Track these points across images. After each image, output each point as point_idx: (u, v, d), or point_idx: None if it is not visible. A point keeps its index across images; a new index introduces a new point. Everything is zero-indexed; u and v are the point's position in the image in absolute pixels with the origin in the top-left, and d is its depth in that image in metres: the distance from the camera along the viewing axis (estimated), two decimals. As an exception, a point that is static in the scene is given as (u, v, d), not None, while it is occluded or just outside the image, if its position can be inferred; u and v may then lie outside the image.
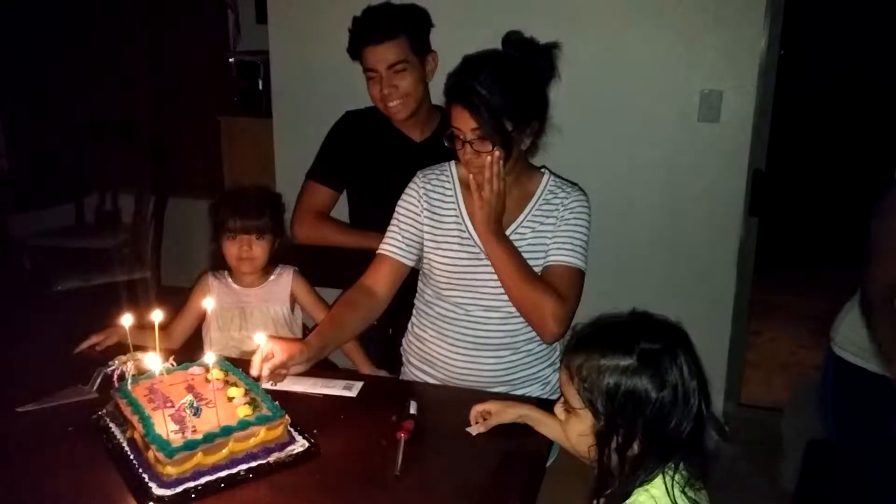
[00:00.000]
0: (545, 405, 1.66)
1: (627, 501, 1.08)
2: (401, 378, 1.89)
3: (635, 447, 1.07)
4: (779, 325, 4.00)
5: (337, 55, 2.89)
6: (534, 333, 1.71)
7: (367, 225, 2.18)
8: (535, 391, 1.78)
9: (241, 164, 3.67)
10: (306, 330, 2.07)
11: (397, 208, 1.81)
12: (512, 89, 1.56)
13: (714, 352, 2.82)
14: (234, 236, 1.85)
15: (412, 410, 1.48)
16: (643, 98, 2.72)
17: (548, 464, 1.73)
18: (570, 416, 1.15)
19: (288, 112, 3.08)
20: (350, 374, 1.78)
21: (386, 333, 2.09)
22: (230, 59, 3.75)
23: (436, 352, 1.78)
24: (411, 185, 1.81)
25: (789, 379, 3.47)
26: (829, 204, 4.75)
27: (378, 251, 1.80)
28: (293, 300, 1.95)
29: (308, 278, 1.98)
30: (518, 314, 1.68)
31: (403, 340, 1.91)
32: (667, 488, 1.07)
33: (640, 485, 1.07)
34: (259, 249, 1.86)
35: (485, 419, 1.46)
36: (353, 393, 1.61)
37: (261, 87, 3.61)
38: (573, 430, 1.15)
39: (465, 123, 1.57)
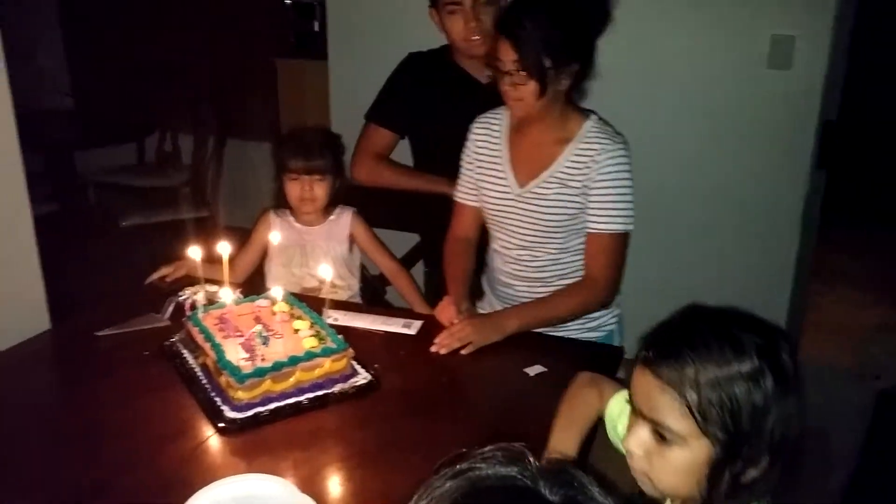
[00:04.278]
0: (596, 348, 1.69)
1: None
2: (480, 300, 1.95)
3: (760, 466, 0.87)
4: (843, 285, 3.89)
5: (395, -4, 2.88)
6: (567, 272, 1.78)
7: (432, 168, 2.18)
8: (575, 324, 1.80)
9: (298, 106, 3.69)
10: (364, 270, 2.11)
11: (462, 154, 1.88)
12: (556, 27, 1.60)
13: (774, 311, 2.77)
14: (296, 177, 1.87)
15: None
16: (709, 43, 2.62)
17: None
18: (667, 447, 0.88)
19: (344, 54, 3.07)
20: (407, 314, 1.82)
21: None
22: (287, 1, 3.74)
23: (491, 277, 1.90)
24: (469, 129, 1.86)
25: (849, 341, 3.40)
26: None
27: (454, 198, 1.90)
28: (352, 240, 1.98)
29: (366, 219, 2.01)
30: (546, 255, 1.76)
31: None
32: None
33: None
34: (320, 190, 1.89)
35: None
36: (412, 331, 1.65)
37: (317, 28, 3.60)
38: (676, 464, 0.88)
39: (506, 55, 1.61)
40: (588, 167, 1.68)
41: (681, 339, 0.88)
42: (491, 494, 0.59)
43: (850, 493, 2.05)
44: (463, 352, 1.57)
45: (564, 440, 1.17)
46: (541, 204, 1.72)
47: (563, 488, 0.59)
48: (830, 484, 2.26)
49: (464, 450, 0.64)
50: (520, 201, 1.75)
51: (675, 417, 0.86)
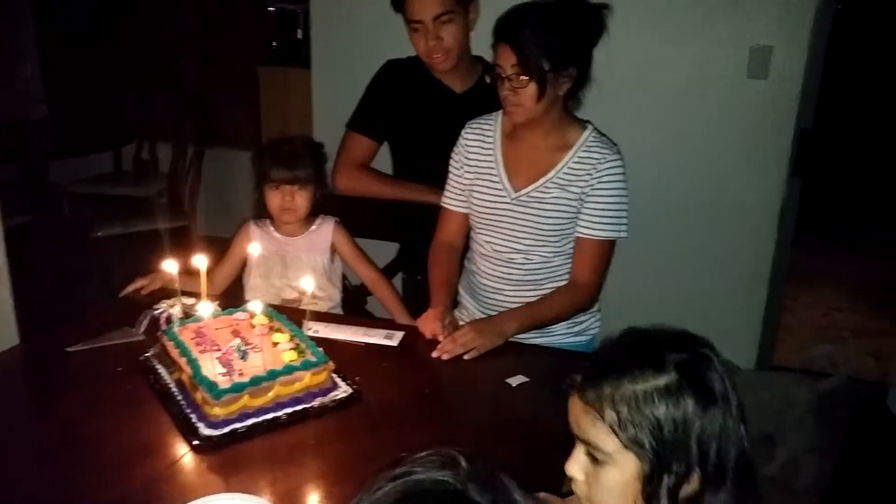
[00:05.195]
0: (574, 357, 1.68)
1: None
2: (456, 309, 1.93)
3: (694, 481, 0.87)
4: (816, 288, 3.95)
5: (378, 4, 2.86)
6: (556, 275, 1.81)
7: (409, 176, 2.17)
8: (562, 328, 1.83)
9: (280, 115, 3.67)
10: (346, 280, 2.08)
11: (450, 160, 1.88)
12: (553, 31, 1.64)
13: (750, 314, 2.80)
14: (277, 186, 1.84)
15: None
16: (691, 53, 2.64)
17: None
18: (601, 467, 0.90)
19: (327, 62, 3.05)
20: (388, 324, 1.79)
21: (425, 282, 2.10)
22: (269, 8, 3.72)
23: (473, 282, 1.89)
24: (460, 135, 1.87)
25: (824, 343, 3.43)
26: (872, 166, 4.63)
27: (442, 205, 1.91)
28: (333, 251, 1.96)
29: (348, 229, 1.98)
30: (540, 258, 1.78)
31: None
32: None
33: None
34: (301, 200, 1.86)
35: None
36: (394, 342, 1.63)
37: (300, 36, 3.58)
38: (610, 484, 0.90)
39: (506, 59, 1.63)
40: (589, 174, 1.71)
41: (603, 363, 0.91)
42: (425, 497, 0.65)
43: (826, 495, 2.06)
44: (466, 357, 1.56)
45: None
46: (540, 207, 1.74)
47: (491, 492, 0.66)
48: (798, 484, 2.28)
49: (403, 454, 0.69)
50: (517, 204, 1.76)
51: (600, 436, 0.88)
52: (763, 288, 2.79)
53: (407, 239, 2.28)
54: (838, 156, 4.27)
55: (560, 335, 1.83)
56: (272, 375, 1.32)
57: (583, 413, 0.90)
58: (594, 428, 0.89)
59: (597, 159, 1.71)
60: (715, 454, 0.86)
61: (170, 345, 1.44)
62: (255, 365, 1.34)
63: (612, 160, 1.72)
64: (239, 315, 1.54)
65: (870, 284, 4.02)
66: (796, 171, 2.71)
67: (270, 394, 1.33)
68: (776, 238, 2.73)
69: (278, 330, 1.47)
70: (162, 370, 1.46)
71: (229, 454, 1.25)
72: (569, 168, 1.73)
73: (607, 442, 0.88)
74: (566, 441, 1.32)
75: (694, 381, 0.87)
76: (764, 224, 2.72)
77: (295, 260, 1.91)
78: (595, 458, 0.90)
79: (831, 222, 4.50)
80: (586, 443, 0.91)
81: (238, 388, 1.29)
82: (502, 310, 1.78)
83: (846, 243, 4.54)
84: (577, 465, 0.93)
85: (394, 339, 1.64)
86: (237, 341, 1.39)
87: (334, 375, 1.43)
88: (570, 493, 1.19)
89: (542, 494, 1.13)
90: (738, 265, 2.75)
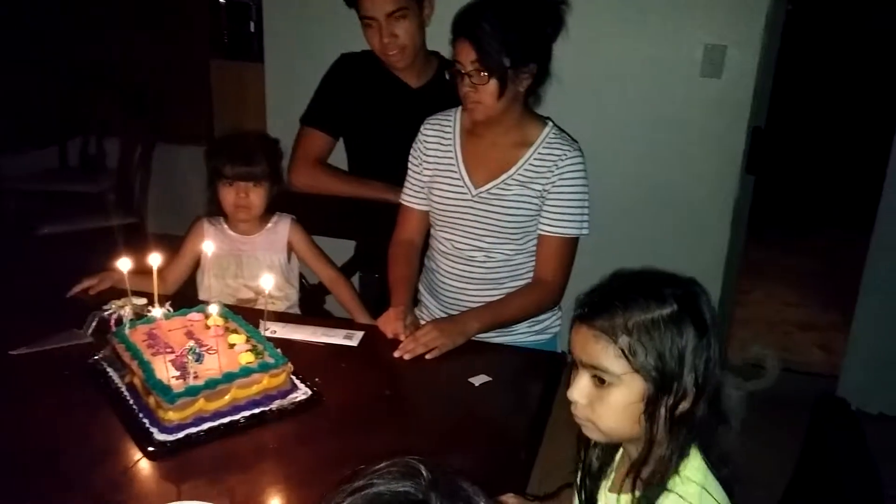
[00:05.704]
0: (536, 356, 1.68)
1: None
2: (416, 308, 1.90)
3: (689, 399, 0.96)
4: (768, 283, 4.04)
5: (332, -3, 2.82)
6: (518, 273, 1.80)
7: (365, 172, 2.14)
8: (523, 327, 1.82)
9: (232, 109, 3.60)
10: (303, 279, 2.05)
11: (409, 157, 1.86)
12: (513, 27, 1.62)
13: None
14: (231, 183, 1.80)
15: None
16: (645, 51, 2.67)
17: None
18: (606, 390, 0.98)
19: (280, 55, 3.00)
20: (347, 324, 1.76)
21: (384, 282, 2.08)
22: (221, 0, 3.64)
23: (434, 281, 1.87)
24: (419, 132, 1.85)
25: (775, 337, 3.52)
26: (823, 164, 4.77)
27: (401, 202, 1.88)
28: (290, 249, 1.92)
29: (304, 227, 1.94)
30: (501, 256, 1.77)
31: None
32: (706, 464, 0.98)
33: (679, 460, 0.97)
34: (256, 197, 1.81)
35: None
36: (354, 342, 1.60)
37: (253, 29, 3.51)
38: (616, 404, 0.98)
39: (465, 56, 1.62)
40: (550, 171, 1.70)
41: (609, 295, 0.99)
42: None
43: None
44: (428, 356, 1.54)
45: None
46: (500, 204, 1.73)
47: (453, 500, 0.65)
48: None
49: (362, 466, 0.67)
50: (478, 202, 1.75)
51: (610, 360, 0.97)
52: (717, 284, 2.83)
53: (364, 237, 2.25)
54: (790, 154, 4.37)
55: (522, 334, 1.82)
56: (228, 378, 1.28)
57: (593, 340, 0.98)
58: (605, 352, 0.97)
59: (557, 156, 1.71)
60: (703, 375, 0.96)
61: (120, 347, 1.39)
62: (211, 367, 1.31)
63: (573, 157, 1.72)
64: (193, 316, 1.49)
65: (820, 279, 4.12)
66: (749, 168, 2.76)
67: (227, 397, 1.29)
68: (730, 235, 2.78)
69: (234, 331, 1.43)
70: (112, 374, 1.41)
71: (184, 460, 1.21)
72: (530, 165, 1.72)
73: (616, 364, 0.96)
74: (530, 440, 1.32)
75: (691, 312, 0.96)
76: (717, 221, 2.76)
77: (251, 259, 1.87)
78: (601, 381, 0.98)
79: (783, 219, 4.61)
80: (594, 367, 0.98)
81: (193, 392, 1.25)
82: (463, 309, 1.77)
83: (797, 239, 4.66)
84: (578, 391, 1.00)
85: (354, 339, 1.61)
86: (191, 343, 1.35)
87: (293, 377, 1.39)
88: (537, 496, 1.20)
89: (509, 496, 1.12)
90: (693, 262, 2.78)
